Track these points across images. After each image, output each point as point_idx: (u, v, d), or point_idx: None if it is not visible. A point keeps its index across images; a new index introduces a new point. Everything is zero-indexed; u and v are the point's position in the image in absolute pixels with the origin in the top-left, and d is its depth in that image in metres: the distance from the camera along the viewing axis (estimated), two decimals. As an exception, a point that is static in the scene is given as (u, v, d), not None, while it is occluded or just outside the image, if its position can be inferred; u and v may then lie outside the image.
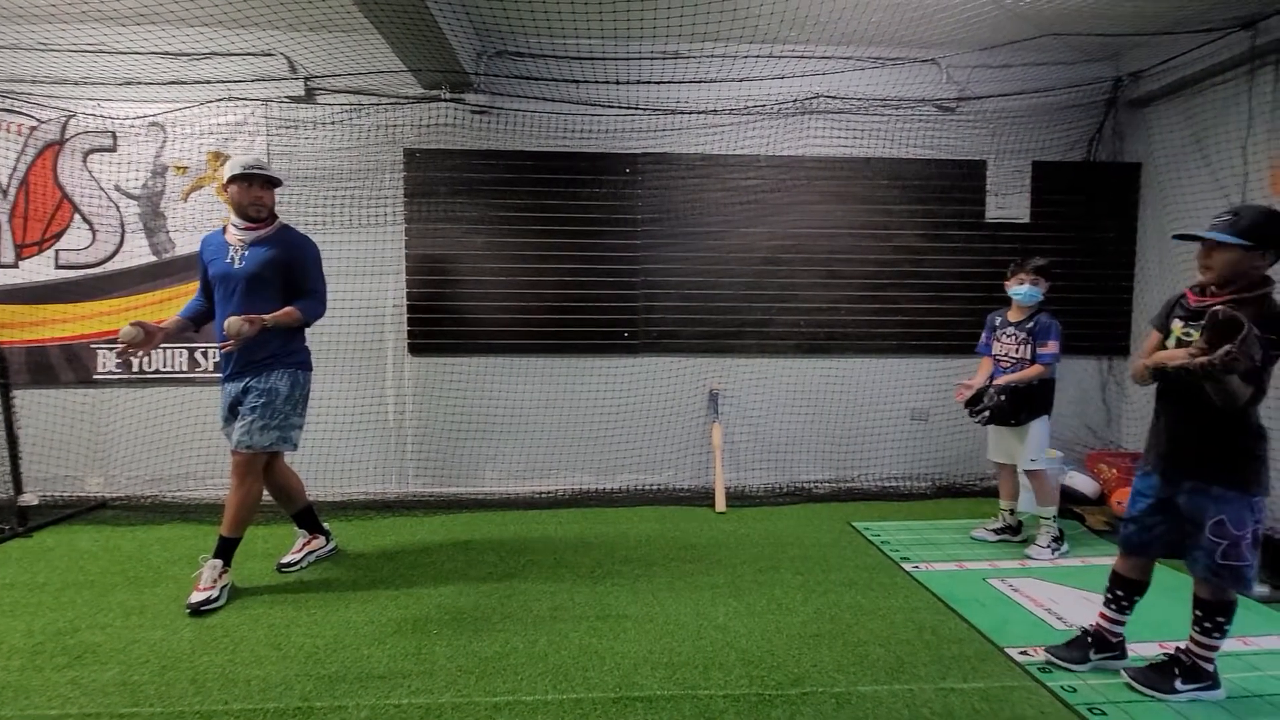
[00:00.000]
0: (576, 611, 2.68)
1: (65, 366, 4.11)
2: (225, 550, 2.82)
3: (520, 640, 2.45)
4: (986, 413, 3.20)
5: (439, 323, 4.26)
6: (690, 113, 4.25)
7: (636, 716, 2.01)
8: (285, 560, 3.11)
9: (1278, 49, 3.42)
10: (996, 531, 3.49)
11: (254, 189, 2.81)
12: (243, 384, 2.82)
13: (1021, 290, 3.23)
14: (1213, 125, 3.85)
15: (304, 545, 3.18)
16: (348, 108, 4.10)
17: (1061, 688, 2.15)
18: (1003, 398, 3.17)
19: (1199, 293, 2.08)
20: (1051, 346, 3.18)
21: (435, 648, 2.40)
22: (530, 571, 3.07)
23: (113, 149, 4.06)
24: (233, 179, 2.80)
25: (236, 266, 2.80)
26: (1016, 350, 3.25)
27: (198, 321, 2.96)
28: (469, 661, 2.31)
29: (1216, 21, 3.52)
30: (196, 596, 2.69)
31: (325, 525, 3.29)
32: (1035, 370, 3.19)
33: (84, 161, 4.05)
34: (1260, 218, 1.93)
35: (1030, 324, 3.23)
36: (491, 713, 2.03)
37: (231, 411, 2.87)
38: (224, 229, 2.89)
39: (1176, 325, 2.10)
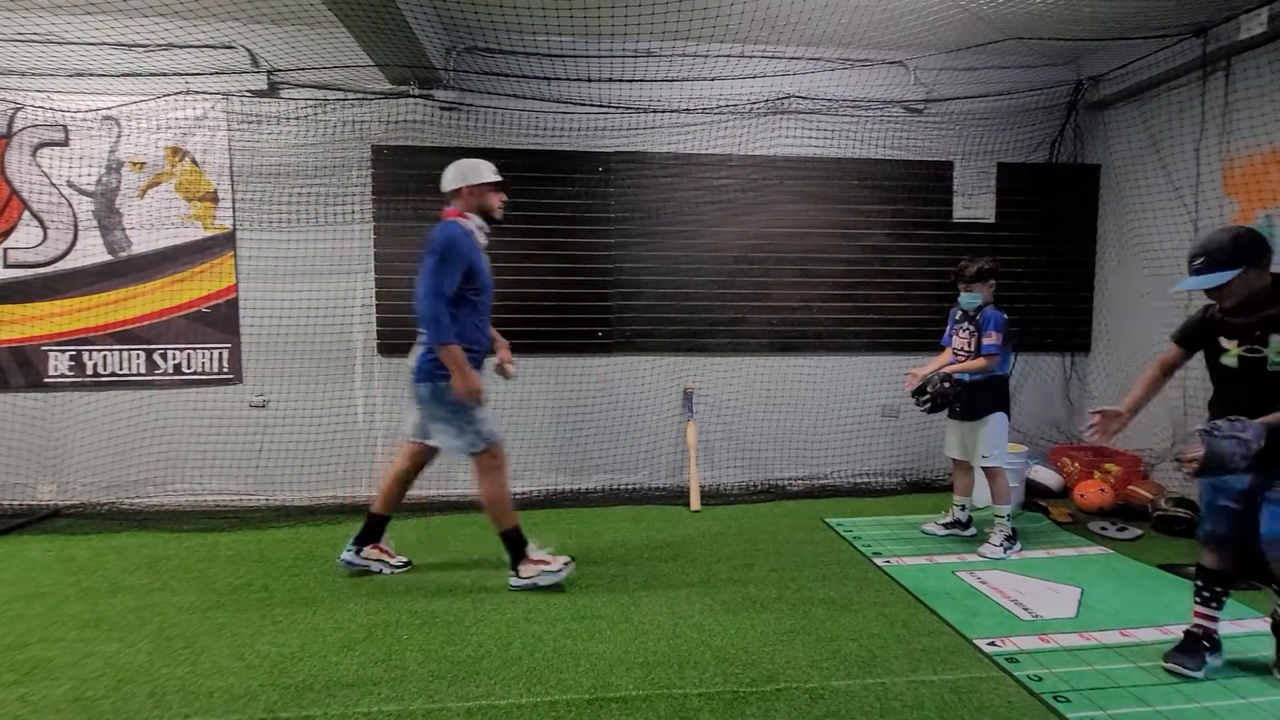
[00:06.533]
0: (551, 613, 2.65)
1: (15, 370, 3.94)
2: (514, 542, 2.84)
3: (494, 644, 2.42)
4: (928, 402, 3.24)
5: (409, 322, 4.14)
6: (662, 111, 4.25)
7: (612, 717, 2.00)
8: (349, 558, 3.02)
9: (1227, 55, 3.55)
10: (946, 526, 3.54)
11: (501, 193, 2.87)
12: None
13: (962, 297, 3.32)
14: (1168, 128, 3.98)
15: (368, 549, 3.05)
16: (312, 103, 4.01)
17: (1028, 677, 2.20)
18: (946, 384, 3.20)
19: (1230, 311, 2.14)
20: (993, 337, 3.19)
21: (406, 653, 2.36)
22: (504, 573, 3.03)
23: (64, 143, 3.90)
24: (492, 184, 2.84)
25: (489, 275, 2.85)
26: (968, 344, 3.32)
27: None
28: (441, 666, 2.27)
29: (1170, 28, 3.64)
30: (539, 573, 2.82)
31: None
32: (979, 363, 3.22)
33: (34, 156, 3.89)
34: (1228, 244, 2.06)
35: (978, 318, 3.29)
36: (464, 718, 2.00)
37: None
38: (469, 229, 2.79)
39: (1234, 345, 2.14)
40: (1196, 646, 2.23)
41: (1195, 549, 3.07)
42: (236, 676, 2.22)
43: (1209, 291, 2.12)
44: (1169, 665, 2.22)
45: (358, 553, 3.02)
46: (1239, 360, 2.13)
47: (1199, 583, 2.25)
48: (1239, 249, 2.04)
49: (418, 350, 2.82)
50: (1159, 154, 4.05)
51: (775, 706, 2.05)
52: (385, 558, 3.06)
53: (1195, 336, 2.27)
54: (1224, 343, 2.17)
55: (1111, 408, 2.32)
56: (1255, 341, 2.08)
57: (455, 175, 2.88)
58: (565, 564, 2.87)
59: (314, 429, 4.15)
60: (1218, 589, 2.23)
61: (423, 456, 3.01)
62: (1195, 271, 2.11)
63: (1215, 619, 2.24)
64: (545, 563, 2.87)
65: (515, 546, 2.88)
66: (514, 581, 2.87)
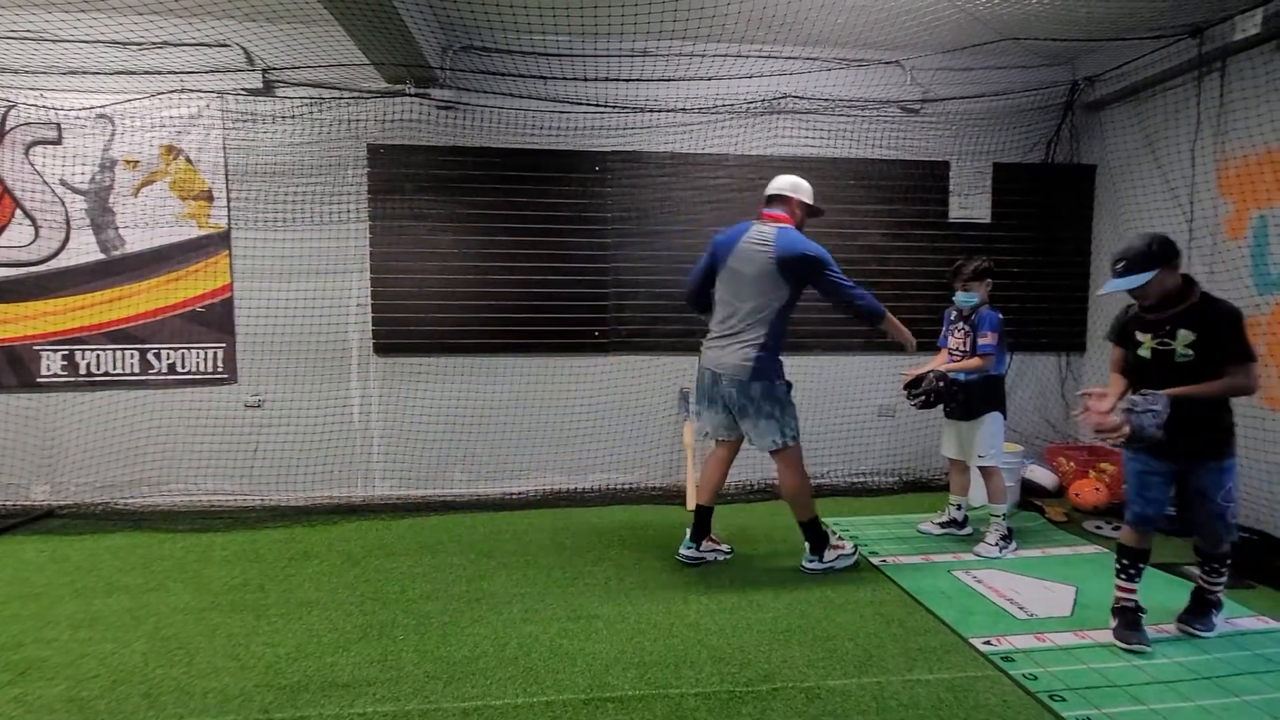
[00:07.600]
0: (547, 613, 2.65)
1: (7, 369, 3.92)
2: (816, 531, 3.04)
3: (490, 644, 2.42)
4: (921, 398, 3.25)
5: (405, 322, 4.17)
6: (659, 111, 4.25)
7: (608, 717, 2.00)
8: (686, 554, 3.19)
9: (1223, 56, 3.56)
10: (942, 525, 3.55)
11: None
12: None
13: (958, 296, 3.32)
14: (1163, 128, 3.99)
15: (705, 542, 3.21)
16: (308, 101, 4.00)
17: (1023, 676, 2.20)
18: (941, 383, 3.21)
19: (1148, 309, 2.38)
20: (989, 337, 3.20)
21: (402, 654, 2.36)
22: (500, 574, 3.03)
23: (57, 141, 3.88)
24: (813, 208, 3.05)
25: None
26: (963, 344, 3.32)
27: None
28: (436, 667, 2.27)
29: (1165, 29, 3.65)
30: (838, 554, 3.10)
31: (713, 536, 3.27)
32: (974, 362, 3.23)
33: (26, 154, 3.87)
34: (1144, 250, 2.27)
35: (973, 318, 3.29)
36: (460, 718, 2.00)
37: None
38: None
39: (1148, 338, 2.37)
40: (1133, 619, 2.42)
41: (1185, 548, 3.12)
42: (231, 677, 2.21)
43: (1130, 292, 2.33)
44: (1128, 646, 2.37)
45: (698, 547, 3.17)
46: (1151, 352, 2.36)
47: (1124, 561, 2.45)
48: (1153, 253, 2.25)
49: (735, 351, 2.91)
50: (1154, 154, 4.06)
51: (772, 706, 2.06)
52: (717, 547, 3.23)
53: (1121, 332, 2.50)
54: (1139, 336, 2.41)
55: (1098, 388, 2.42)
56: (1166, 335, 2.32)
57: (789, 184, 3.03)
58: (855, 549, 3.15)
59: (309, 429, 4.13)
60: (1141, 565, 2.44)
61: (733, 449, 3.17)
62: (1117, 274, 2.32)
63: (1134, 590, 2.45)
64: (841, 548, 3.11)
65: (818, 535, 3.05)
66: (810, 565, 3.05)
